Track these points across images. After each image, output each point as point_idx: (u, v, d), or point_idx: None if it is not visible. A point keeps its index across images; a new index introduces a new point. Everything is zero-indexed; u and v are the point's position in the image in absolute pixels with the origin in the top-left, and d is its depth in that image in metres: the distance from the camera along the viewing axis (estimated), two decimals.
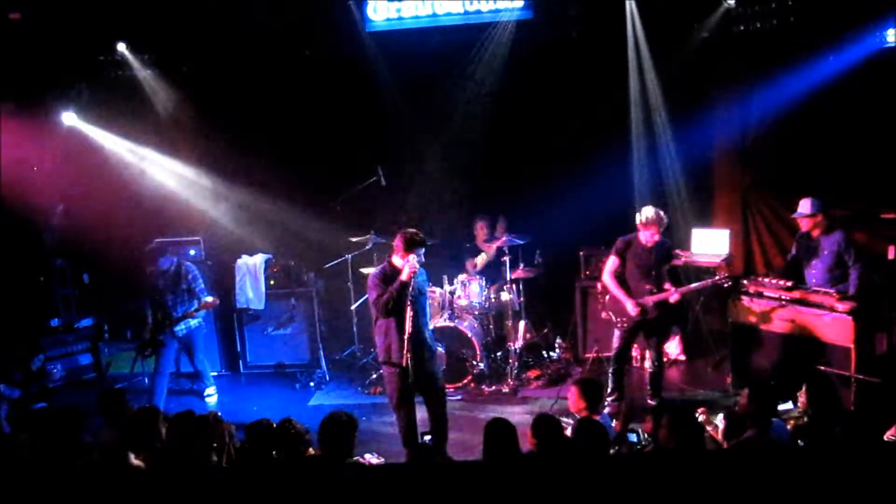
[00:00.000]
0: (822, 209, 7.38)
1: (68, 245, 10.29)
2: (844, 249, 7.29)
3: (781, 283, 7.52)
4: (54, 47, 9.13)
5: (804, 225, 7.49)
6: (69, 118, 9.61)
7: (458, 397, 8.38)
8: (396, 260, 6.42)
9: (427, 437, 6.53)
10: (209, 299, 8.31)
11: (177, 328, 8.28)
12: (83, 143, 9.79)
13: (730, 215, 9.55)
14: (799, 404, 5.71)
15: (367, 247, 9.14)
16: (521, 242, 8.97)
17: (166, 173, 10.05)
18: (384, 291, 6.34)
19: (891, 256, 8.14)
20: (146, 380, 8.77)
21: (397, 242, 6.45)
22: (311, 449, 5.30)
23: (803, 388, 5.64)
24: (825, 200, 7.43)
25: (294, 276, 9.65)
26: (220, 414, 5.68)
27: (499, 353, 9.05)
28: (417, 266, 6.28)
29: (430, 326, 6.89)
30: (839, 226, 7.42)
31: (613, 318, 7.53)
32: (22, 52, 8.96)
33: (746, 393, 5.31)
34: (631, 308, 7.33)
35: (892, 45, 8.40)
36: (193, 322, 8.47)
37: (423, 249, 6.38)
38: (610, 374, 7.73)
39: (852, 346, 6.91)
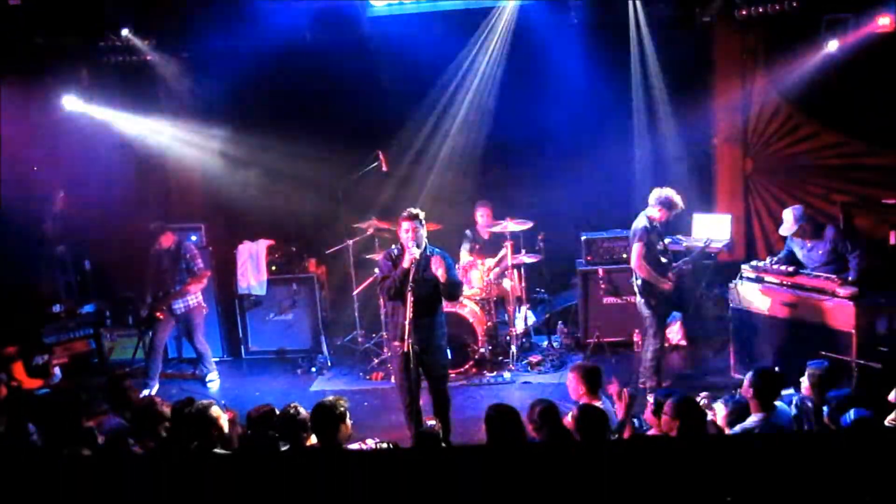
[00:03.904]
0: (804, 218, 7.45)
1: (69, 231, 10.27)
2: (840, 244, 7.36)
3: (783, 268, 7.53)
4: (55, 32, 9.10)
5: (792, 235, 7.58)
6: (70, 102, 9.57)
7: (460, 383, 8.39)
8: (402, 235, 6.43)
9: (431, 423, 6.55)
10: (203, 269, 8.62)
11: (174, 305, 8.43)
12: (84, 128, 9.75)
13: (731, 200, 9.55)
14: (802, 390, 5.71)
15: (369, 232, 9.14)
16: (522, 228, 8.96)
17: (167, 159, 10.03)
18: (389, 274, 6.37)
19: (892, 241, 8.14)
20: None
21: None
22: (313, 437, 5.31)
23: (806, 374, 5.65)
24: (823, 190, 7.48)
25: (296, 261, 9.66)
26: (224, 402, 5.70)
27: (500, 339, 9.05)
28: (417, 255, 6.25)
29: None
30: (827, 222, 7.48)
31: (653, 302, 7.50)
32: (22, 38, 8.92)
33: (748, 378, 5.32)
34: (669, 285, 7.40)
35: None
36: (192, 300, 8.58)
37: (410, 224, 6.31)
38: (657, 359, 7.67)
39: (853, 331, 6.92)
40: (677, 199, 7.34)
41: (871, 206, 8.49)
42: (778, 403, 5.33)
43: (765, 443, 4.14)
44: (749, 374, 5.38)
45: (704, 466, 3.56)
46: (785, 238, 7.80)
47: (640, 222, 7.45)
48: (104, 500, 3.94)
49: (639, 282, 7.53)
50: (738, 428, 5.21)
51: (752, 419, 5.16)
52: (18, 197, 9.33)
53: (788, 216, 7.55)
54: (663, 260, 7.51)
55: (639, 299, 7.62)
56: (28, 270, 9.73)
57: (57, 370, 8.98)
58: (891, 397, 5.36)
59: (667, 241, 7.81)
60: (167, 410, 5.61)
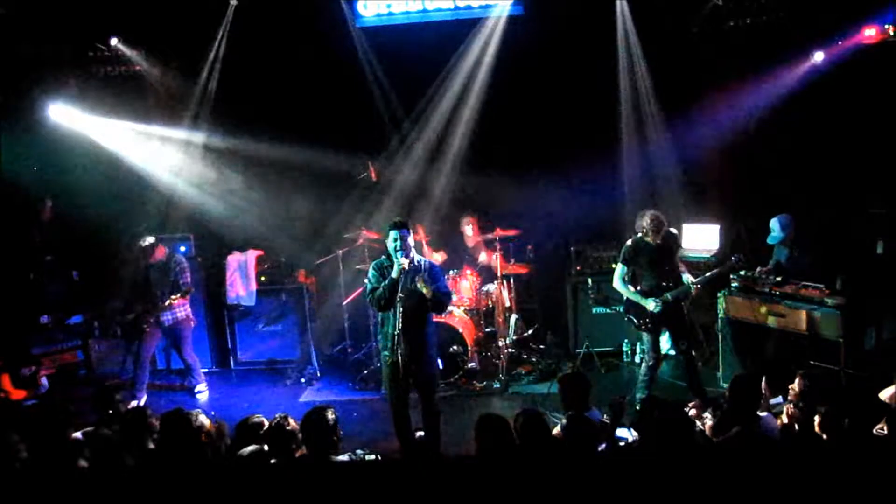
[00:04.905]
0: (792, 226, 7.53)
1: (57, 241, 10.23)
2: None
3: (771, 277, 7.56)
4: (41, 42, 9.09)
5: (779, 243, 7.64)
6: (57, 112, 9.54)
7: (450, 392, 8.38)
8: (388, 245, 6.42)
9: (419, 434, 6.54)
10: (188, 289, 8.52)
11: (162, 318, 8.40)
12: (72, 138, 9.73)
13: (720, 210, 9.57)
14: (791, 398, 5.72)
15: (358, 242, 9.13)
16: (512, 237, 8.98)
17: (156, 168, 10.01)
18: (378, 284, 6.36)
19: (879, 251, 8.19)
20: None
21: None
22: (303, 448, 5.29)
23: (795, 382, 5.66)
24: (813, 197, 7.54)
25: (285, 271, 9.65)
26: (213, 413, 5.67)
27: (490, 349, 9.05)
28: (406, 264, 6.25)
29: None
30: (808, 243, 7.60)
31: (636, 320, 7.50)
32: (7, 47, 8.91)
33: (728, 389, 5.34)
34: (653, 306, 7.29)
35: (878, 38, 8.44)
36: (180, 313, 8.55)
37: (399, 233, 6.30)
38: (650, 372, 7.56)
39: (841, 339, 6.95)
40: (661, 218, 7.24)
41: (859, 215, 8.54)
42: (763, 413, 5.34)
43: (749, 452, 4.15)
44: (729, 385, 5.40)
45: (691, 476, 3.56)
46: (773, 248, 7.84)
47: (626, 243, 7.47)
48: None
49: (625, 300, 7.56)
50: (722, 438, 5.22)
51: (734, 430, 5.17)
52: (5, 206, 9.32)
53: (775, 225, 7.64)
54: (662, 283, 7.35)
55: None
56: (15, 280, 9.68)
57: (44, 380, 8.94)
58: (882, 396, 5.40)
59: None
60: (156, 422, 5.59)
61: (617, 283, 7.46)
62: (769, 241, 7.78)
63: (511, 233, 8.98)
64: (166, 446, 5.27)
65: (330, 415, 5.10)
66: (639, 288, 7.44)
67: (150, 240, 8.56)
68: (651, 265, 7.37)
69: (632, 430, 5.83)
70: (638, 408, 7.10)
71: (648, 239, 7.26)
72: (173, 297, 8.39)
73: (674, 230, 7.53)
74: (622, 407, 5.79)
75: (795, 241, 7.60)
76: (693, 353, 7.58)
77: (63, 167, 9.92)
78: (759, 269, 7.83)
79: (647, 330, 7.42)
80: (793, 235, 7.58)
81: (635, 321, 7.48)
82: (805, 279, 7.43)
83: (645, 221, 7.23)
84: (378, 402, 8.08)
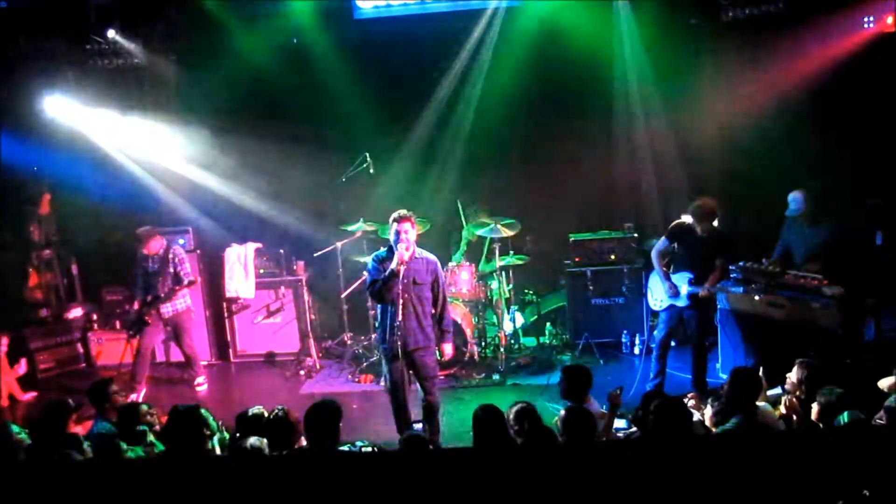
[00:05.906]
0: (813, 201, 7.47)
1: (55, 235, 10.23)
2: (833, 242, 7.36)
3: (770, 268, 7.54)
4: (39, 35, 9.08)
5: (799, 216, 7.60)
6: (54, 105, 9.52)
7: (449, 384, 8.38)
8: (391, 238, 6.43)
9: (418, 425, 6.55)
10: (191, 279, 8.52)
11: (163, 309, 8.39)
12: (69, 131, 9.72)
13: (719, 200, 9.54)
14: (789, 388, 5.73)
15: (357, 234, 9.13)
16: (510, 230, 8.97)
17: (154, 161, 9.99)
18: (378, 276, 6.37)
19: (878, 242, 8.17)
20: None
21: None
22: (302, 439, 5.30)
23: (793, 372, 5.67)
24: (815, 187, 7.50)
25: (284, 264, 9.65)
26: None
27: (489, 341, 9.05)
28: (407, 257, 6.26)
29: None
30: (827, 219, 7.50)
31: (651, 296, 7.62)
32: (4, 40, 8.89)
33: (726, 379, 5.35)
34: (665, 289, 7.34)
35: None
36: (181, 304, 8.54)
37: (399, 225, 6.32)
38: (656, 352, 7.63)
39: (839, 330, 6.94)
40: (706, 209, 7.22)
41: (856, 206, 8.52)
42: (761, 403, 5.34)
43: (747, 443, 4.15)
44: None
45: (689, 466, 3.56)
46: (774, 241, 7.81)
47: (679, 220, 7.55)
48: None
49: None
50: (721, 429, 5.22)
51: (732, 420, 5.17)
52: (3, 200, 9.32)
53: (797, 197, 7.54)
54: (686, 276, 7.31)
55: None
56: (13, 274, 9.69)
57: (23, 362, 8.94)
58: (881, 385, 5.40)
59: None
60: (154, 415, 5.61)
61: (653, 253, 7.53)
62: (787, 213, 7.67)
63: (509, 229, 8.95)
64: (171, 440, 5.26)
65: (335, 408, 5.12)
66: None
67: (145, 229, 8.55)
68: (687, 253, 7.39)
69: (631, 423, 5.84)
70: (649, 388, 7.31)
71: (695, 226, 7.24)
72: (177, 287, 8.40)
73: (725, 234, 7.52)
74: (620, 399, 5.81)
75: (812, 216, 7.54)
76: (703, 347, 7.58)
77: (60, 160, 9.89)
78: (758, 263, 7.79)
79: (659, 310, 7.56)
80: (809, 211, 7.51)
81: (650, 297, 7.61)
82: (815, 259, 7.38)
83: (691, 207, 7.27)
84: (377, 394, 8.09)
